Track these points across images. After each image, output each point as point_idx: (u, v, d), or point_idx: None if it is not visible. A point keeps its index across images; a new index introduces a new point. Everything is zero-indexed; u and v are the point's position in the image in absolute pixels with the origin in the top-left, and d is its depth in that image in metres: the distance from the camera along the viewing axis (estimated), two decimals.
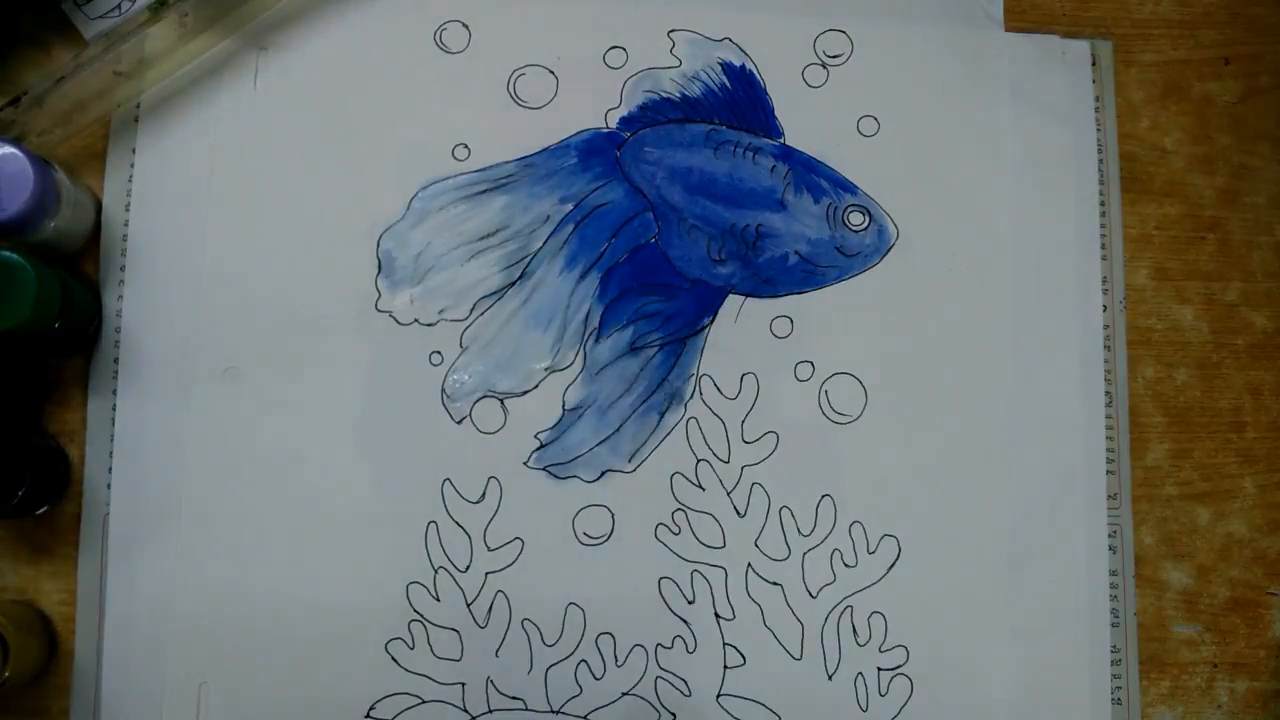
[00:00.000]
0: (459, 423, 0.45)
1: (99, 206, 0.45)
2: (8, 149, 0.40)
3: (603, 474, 0.45)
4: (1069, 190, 0.48)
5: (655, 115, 0.47)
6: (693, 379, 0.46)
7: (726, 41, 0.48)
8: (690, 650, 0.44)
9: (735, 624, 0.45)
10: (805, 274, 0.47)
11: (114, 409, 0.44)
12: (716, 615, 0.45)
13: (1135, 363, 0.48)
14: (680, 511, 0.45)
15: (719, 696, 0.44)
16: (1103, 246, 0.48)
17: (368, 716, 0.43)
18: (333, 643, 0.43)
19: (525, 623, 0.44)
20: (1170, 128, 0.50)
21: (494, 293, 0.46)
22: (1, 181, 0.40)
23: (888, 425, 0.46)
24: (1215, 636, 0.47)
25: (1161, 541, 0.47)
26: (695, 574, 0.45)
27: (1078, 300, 0.47)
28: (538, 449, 0.45)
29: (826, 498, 0.45)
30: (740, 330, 0.46)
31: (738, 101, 0.48)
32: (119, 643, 0.43)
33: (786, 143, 0.47)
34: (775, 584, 0.45)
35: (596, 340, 0.46)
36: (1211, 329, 0.49)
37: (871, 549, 0.45)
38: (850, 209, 0.47)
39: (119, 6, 0.46)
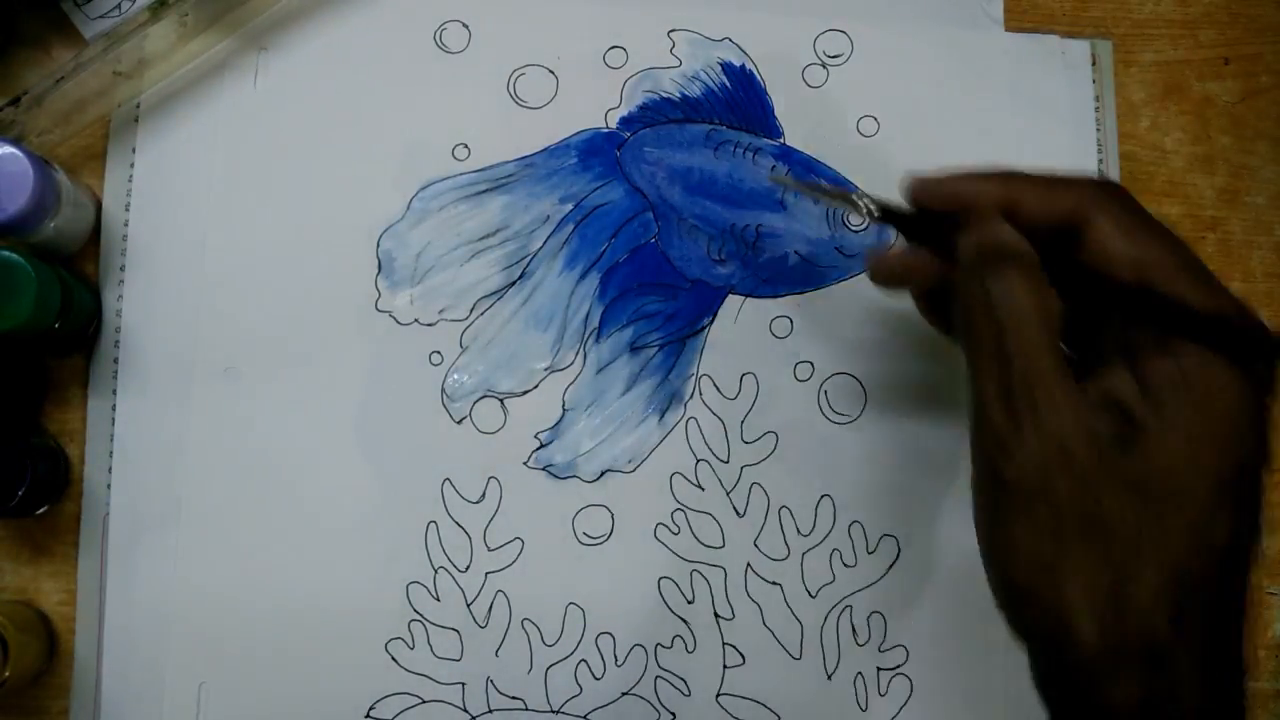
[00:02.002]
0: (459, 423, 0.45)
1: (99, 206, 0.45)
2: (8, 149, 0.40)
3: (603, 474, 0.45)
4: None
5: (655, 115, 0.47)
6: (692, 379, 0.46)
7: (726, 41, 0.48)
8: (690, 650, 0.44)
9: (735, 624, 0.45)
10: (805, 274, 0.47)
11: (114, 409, 0.44)
12: (716, 615, 0.45)
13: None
14: (680, 511, 0.45)
15: (719, 696, 0.44)
16: None
17: (368, 716, 0.43)
18: (333, 643, 0.43)
19: (525, 623, 0.44)
20: (1170, 128, 0.50)
21: (494, 293, 0.46)
22: (1, 181, 0.40)
23: (887, 425, 0.46)
24: None
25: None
26: (695, 574, 0.45)
27: None
28: (538, 449, 0.45)
29: (826, 498, 0.45)
30: (740, 330, 0.46)
31: (738, 101, 0.48)
32: (119, 643, 0.43)
33: (786, 143, 0.47)
34: (775, 584, 0.45)
35: (596, 340, 0.46)
36: None
37: (871, 549, 0.45)
38: (850, 210, 0.47)
39: (119, 6, 0.46)
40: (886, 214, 0.36)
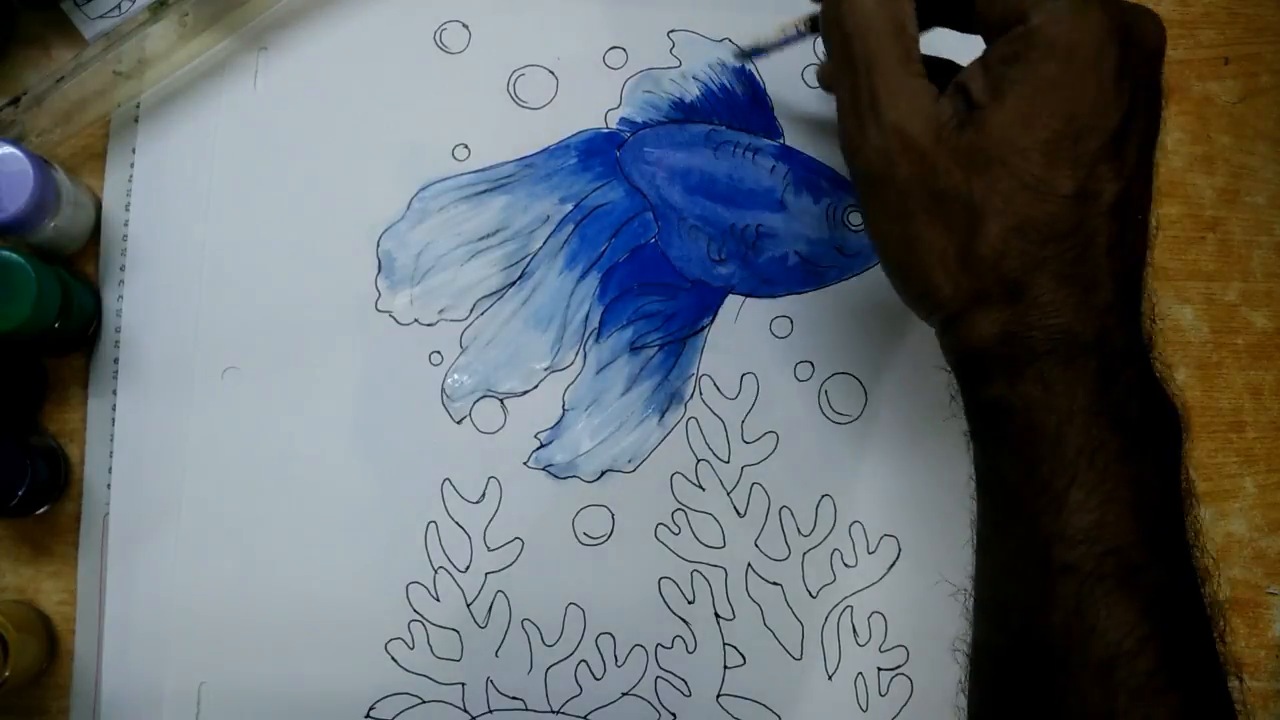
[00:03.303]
0: (459, 423, 0.45)
1: (99, 206, 0.45)
2: (8, 149, 0.40)
3: (603, 474, 0.45)
4: None
5: (655, 115, 0.47)
6: (693, 379, 0.46)
7: (726, 42, 0.48)
8: (690, 650, 0.44)
9: (735, 624, 0.45)
10: (805, 274, 0.47)
11: (114, 409, 0.44)
12: (716, 615, 0.45)
13: None
14: (680, 511, 0.45)
15: (719, 696, 0.44)
16: None
17: (368, 716, 0.43)
18: (333, 643, 0.43)
19: (525, 623, 0.44)
20: (1170, 128, 0.50)
21: (494, 293, 0.46)
22: (1, 181, 0.40)
23: (887, 425, 0.46)
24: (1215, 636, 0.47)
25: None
26: (695, 574, 0.45)
27: None
28: (538, 449, 0.45)
29: (826, 498, 0.45)
30: (740, 330, 0.46)
31: (737, 102, 0.48)
32: (119, 643, 0.43)
33: (786, 143, 0.47)
34: (775, 584, 0.45)
35: (596, 340, 0.46)
36: (1211, 329, 0.49)
37: (871, 549, 0.45)
38: (850, 209, 0.47)
39: (119, 6, 0.46)
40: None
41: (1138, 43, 0.33)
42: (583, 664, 0.44)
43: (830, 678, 0.45)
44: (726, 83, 0.48)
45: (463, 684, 0.44)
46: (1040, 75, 0.32)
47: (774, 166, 0.47)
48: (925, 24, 0.36)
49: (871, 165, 0.34)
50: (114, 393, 0.44)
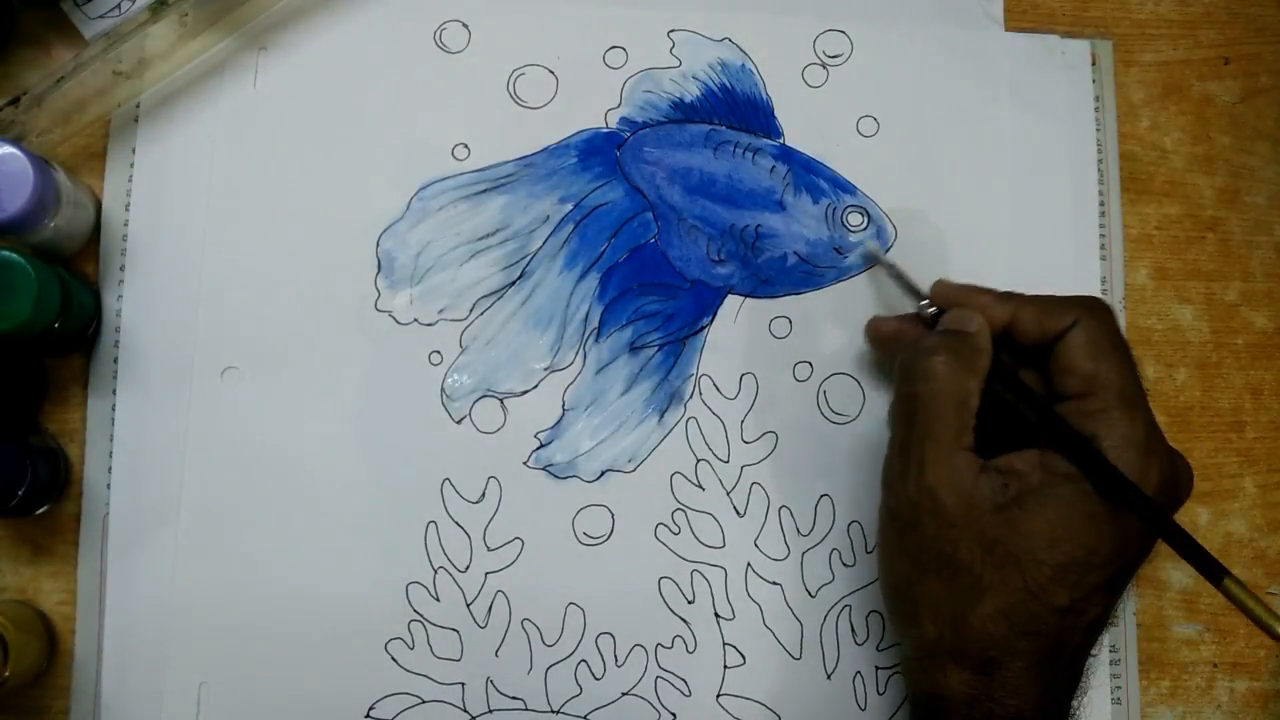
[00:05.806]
0: (459, 423, 0.45)
1: (99, 206, 0.45)
2: (8, 149, 0.40)
3: (603, 474, 0.45)
4: (1068, 190, 0.48)
5: (655, 115, 0.47)
6: (692, 379, 0.46)
7: (726, 42, 0.48)
8: (690, 650, 0.44)
9: (735, 624, 0.45)
10: (804, 274, 0.47)
11: (114, 409, 0.44)
12: (716, 615, 0.45)
13: (1135, 363, 0.48)
14: (680, 511, 0.45)
15: (719, 696, 0.44)
16: (1102, 246, 0.48)
17: (368, 716, 0.43)
18: (333, 643, 0.43)
19: (525, 623, 0.44)
20: (1170, 128, 0.50)
21: (493, 293, 0.46)
22: (1, 181, 0.40)
23: (886, 425, 0.46)
24: (1215, 636, 0.47)
25: (1161, 541, 0.47)
26: (695, 574, 0.45)
27: None
28: (537, 449, 0.45)
29: (825, 498, 0.45)
30: (739, 330, 0.46)
31: (737, 102, 0.48)
32: (119, 643, 0.43)
33: (786, 143, 0.47)
34: (775, 583, 0.45)
35: (596, 340, 0.46)
36: (1211, 329, 0.49)
37: (870, 548, 0.45)
38: (849, 210, 0.47)
39: (119, 6, 0.46)
40: (935, 318, 0.41)
41: (1174, 496, 0.37)
42: (583, 664, 0.44)
43: (829, 677, 0.45)
44: (726, 83, 0.48)
45: (463, 684, 0.44)
46: (1085, 506, 0.35)
47: (774, 167, 0.47)
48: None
49: (900, 511, 0.37)
50: (114, 393, 0.44)
